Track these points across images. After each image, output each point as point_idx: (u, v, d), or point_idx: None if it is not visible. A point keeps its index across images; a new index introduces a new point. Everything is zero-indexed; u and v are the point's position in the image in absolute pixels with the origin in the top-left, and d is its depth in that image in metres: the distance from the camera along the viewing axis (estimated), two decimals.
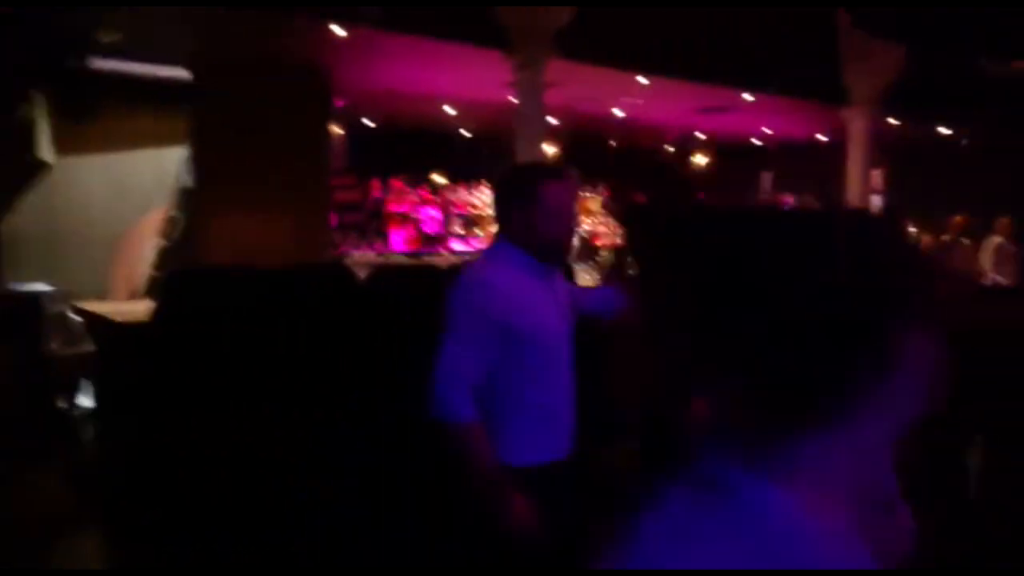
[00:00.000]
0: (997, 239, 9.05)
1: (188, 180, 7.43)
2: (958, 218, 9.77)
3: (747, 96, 8.47)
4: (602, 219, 9.34)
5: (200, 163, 7.00)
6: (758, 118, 10.44)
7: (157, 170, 7.73)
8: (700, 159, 14.26)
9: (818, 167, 12.95)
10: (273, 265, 4.50)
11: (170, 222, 7.71)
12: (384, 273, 4.81)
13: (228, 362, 4.04)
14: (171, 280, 4.46)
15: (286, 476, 3.78)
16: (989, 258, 8.94)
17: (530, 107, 6.09)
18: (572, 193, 2.14)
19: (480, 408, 1.97)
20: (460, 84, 7.98)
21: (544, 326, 2.06)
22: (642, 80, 7.51)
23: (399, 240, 8.12)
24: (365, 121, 10.36)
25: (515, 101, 8.49)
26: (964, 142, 10.74)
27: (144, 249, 7.53)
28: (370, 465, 3.89)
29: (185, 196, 7.62)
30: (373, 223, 8.02)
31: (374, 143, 10.48)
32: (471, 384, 1.96)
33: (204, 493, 3.66)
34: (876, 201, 10.97)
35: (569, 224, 2.11)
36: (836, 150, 12.48)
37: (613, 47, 6.64)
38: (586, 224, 8.84)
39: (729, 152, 13.52)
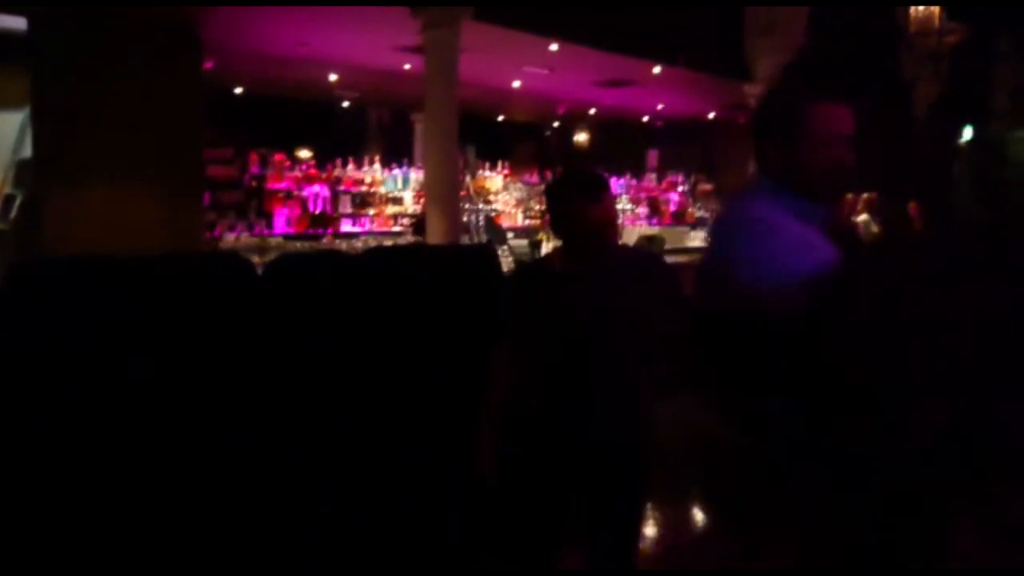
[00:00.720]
0: (863, 217, 9.14)
1: (27, 151, 6.30)
2: (849, 196, 9.85)
3: (656, 69, 8.09)
4: (504, 198, 8.78)
5: (43, 131, 5.88)
6: (654, 94, 10.14)
7: None
8: (584, 136, 13.99)
9: (705, 145, 12.90)
10: (141, 252, 3.61)
11: (6, 201, 6.55)
12: (287, 263, 4.04)
13: (92, 373, 3.23)
14: (15, 274, 3.54)
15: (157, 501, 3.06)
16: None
17: (441, 73, 5.39)
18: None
19: None
20: (351, 47, 7.17)
21: None
22: (553, 47, 6.96)
23: (283, 221, 7.25)
24: (233, 89, 9.34)
25: (408, 67, 7.80)
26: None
27: None
28: (277, 489, 3.24)
29: (24, 170, 6.48)
30: (253, 202, 7.11)
31: (241, 113, 9.46)
32: None
33: (54, 519, 2.89)
34: None
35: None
36: (724, 128, 12.46)
37: (530, 9, 6.04)
38: (494, 204, 8.25)
39: (615, 129, 13.27)
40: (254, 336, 3.61)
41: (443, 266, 4.57)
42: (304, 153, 8.25)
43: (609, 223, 2.43)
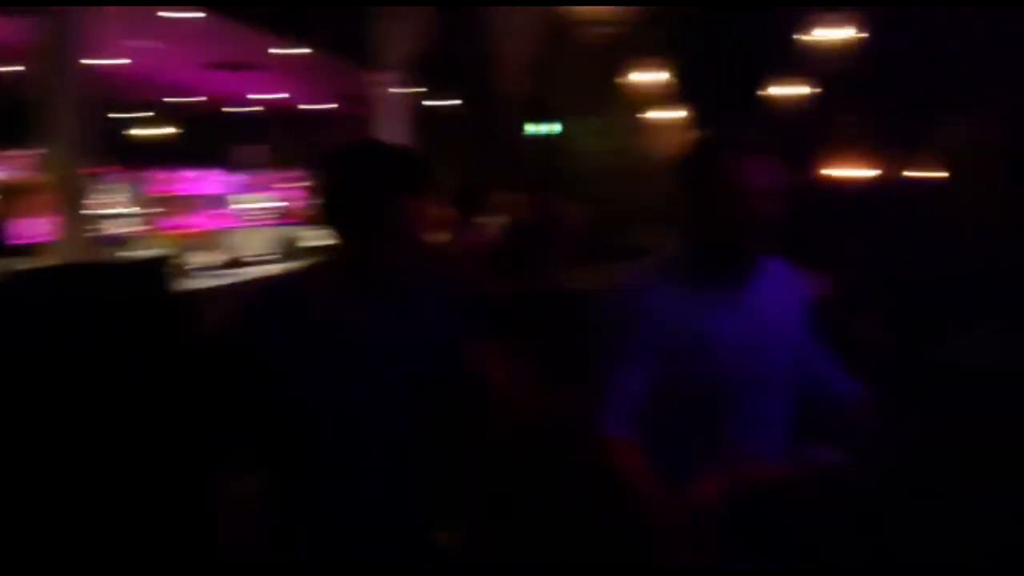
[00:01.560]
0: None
1: None
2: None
3: (281, 49, 7.21)
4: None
5: None
6: (266, 80, 9.21)
7: None
8: (167, 129, 12.38)
9: (314, 138, 12.19)
10: None
11: None
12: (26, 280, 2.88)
13: None
14: None
15: None
16: None
17: (57, 38, 3.93)
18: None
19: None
20: None
21: None
22: (169, 14, 5.71)
23: None
24: None
25: None
26: (464, 112, 11.10)
27: None
28: None
29: None
30: None
31: None
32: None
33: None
34: None
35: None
36: (338, 120, 11.88)
37: None
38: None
39: (202, 121, 11.89)
40: None
41: (115, 289, 3.47)
42: None
43: (424, 224, 1.64)
